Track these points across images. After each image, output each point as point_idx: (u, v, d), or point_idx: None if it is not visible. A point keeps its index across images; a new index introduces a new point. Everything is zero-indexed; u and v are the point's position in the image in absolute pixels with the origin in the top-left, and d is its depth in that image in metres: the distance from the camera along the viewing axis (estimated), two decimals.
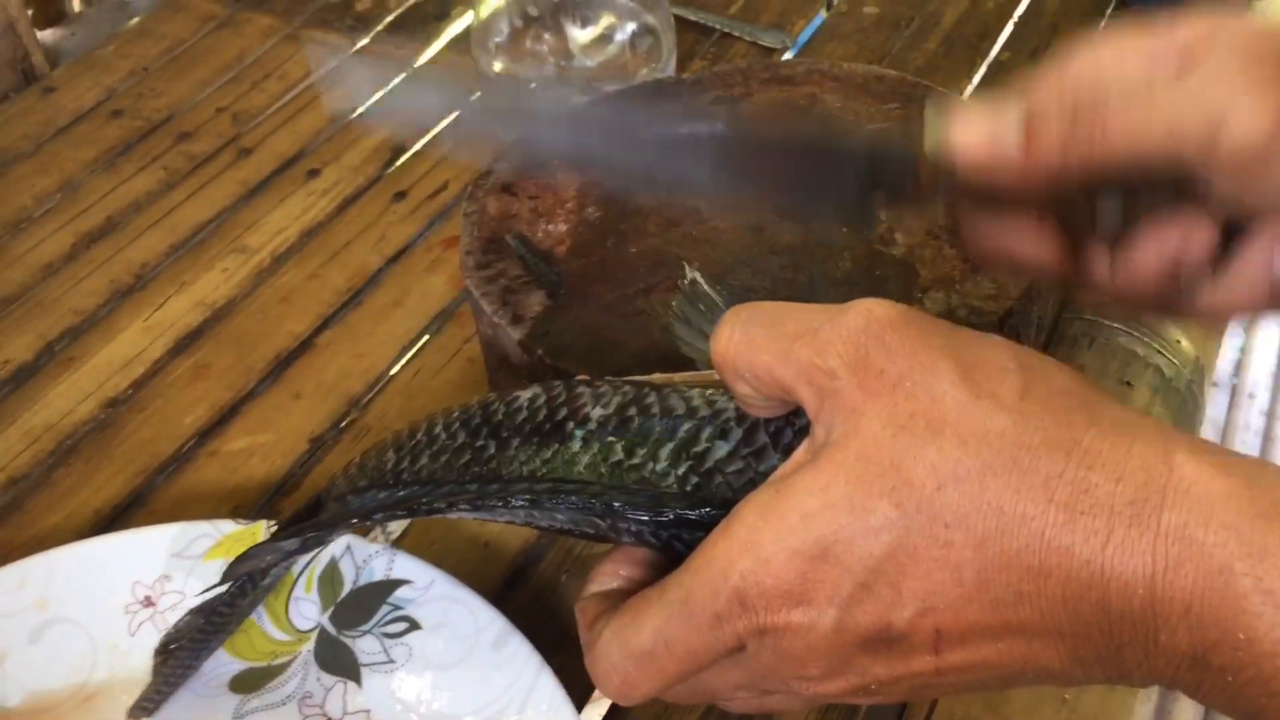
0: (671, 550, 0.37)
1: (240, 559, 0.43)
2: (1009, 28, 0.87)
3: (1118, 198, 0.38)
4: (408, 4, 0.91)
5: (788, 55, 0.85)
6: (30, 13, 0.85)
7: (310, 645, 0.49)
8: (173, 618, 0.48)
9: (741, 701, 0.36)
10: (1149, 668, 0.30)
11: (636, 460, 0.38)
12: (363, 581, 0.49)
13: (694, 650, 0.33)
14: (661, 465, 0.37)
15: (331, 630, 0.49)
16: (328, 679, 0.48)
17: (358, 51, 0.83)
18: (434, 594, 0.49)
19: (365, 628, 0.49)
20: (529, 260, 0.54)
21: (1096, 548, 0.28)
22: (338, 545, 0.50)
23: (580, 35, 0.75)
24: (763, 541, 0.31)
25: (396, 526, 0.56)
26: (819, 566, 0.30)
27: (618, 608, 0.35)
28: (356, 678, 0.48)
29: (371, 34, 0.89)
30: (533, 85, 0.74)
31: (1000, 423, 0.30)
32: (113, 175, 0.77)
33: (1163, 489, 0.29)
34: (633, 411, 0.38)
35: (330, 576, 0.49)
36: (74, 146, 0.79)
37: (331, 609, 0.49)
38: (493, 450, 0.40)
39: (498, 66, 0.75)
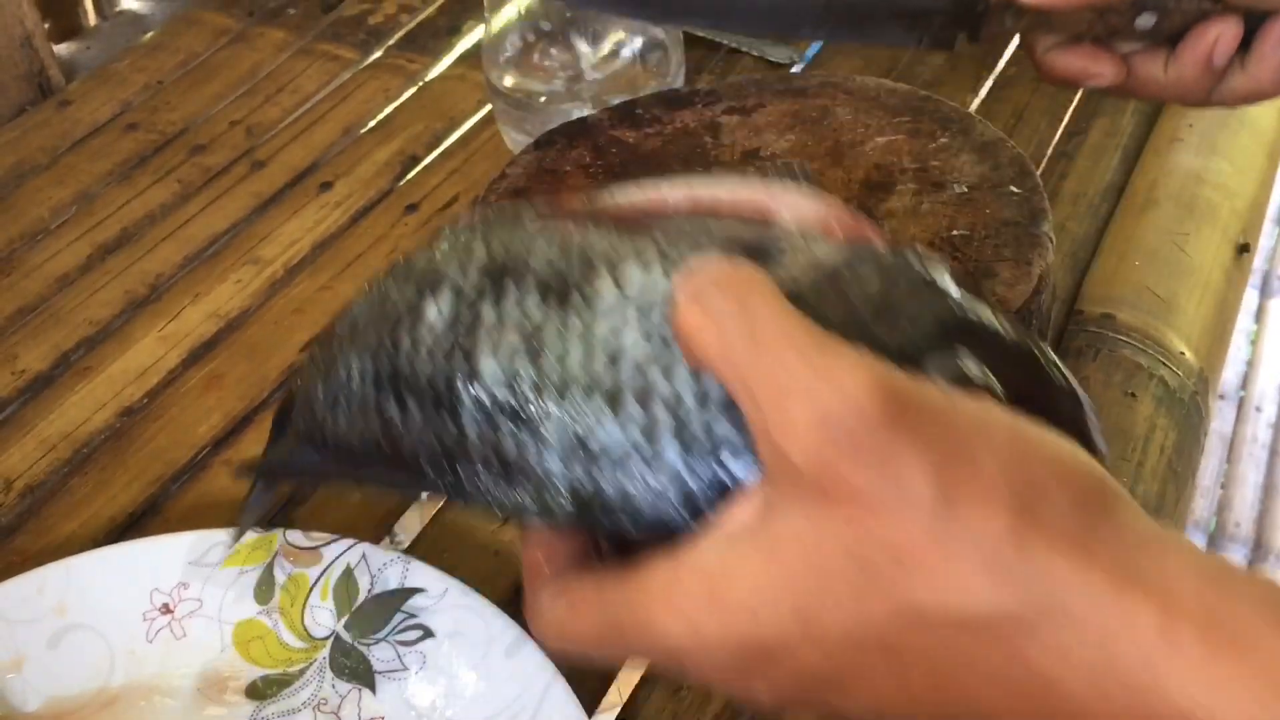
0: (593, 531, 0.35)
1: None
2: (1014, 43, 0.87)
3: (1154, 10, 0.49)
4: (419, 18, 0.92)
5: (795, 69, 0.86)
6: (46, 26, 0.86)
7: (325, 652, 0.50)
8: (190, 624, 0.49)
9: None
10: None
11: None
12: (377, 590, 0.50)
13: (622, 658, 0.35)
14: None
15: (346, 638, 0.50)
16: (342, 686, 0.49)
17: None
18: (448, 602, 0.49)
19: (380, 635, 0.50)
20: None
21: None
22: (353, 554, 0.50)
23: (589, 50, 0.76)
24: (705, 627, 0.29)
25: (406, 536, 0.56)
26: (759, 664, 0.29)
27: (560, 569, 0.35)
28: (371, 685, 0.49)
29: (384, 48, 0.90)
30: (542, 99, 0.75)
31: (980, 577, 0.27)
32: (128, 187, 0.78)
33: (1158, 666, 0.26)
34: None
35: (345, 585, 0.50)
36: (90, 159, 0.80)
37: (346, 617, 0.50)
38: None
39: (508, 81, 0.75)
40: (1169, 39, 0.51)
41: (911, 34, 0.53)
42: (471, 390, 0.33)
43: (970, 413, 0.28)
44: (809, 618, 0.28)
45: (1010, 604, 0.27)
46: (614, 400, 0.32)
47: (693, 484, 0.31)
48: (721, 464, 0.31)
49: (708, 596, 0.29)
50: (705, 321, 0.30)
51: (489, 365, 0.33)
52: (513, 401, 0.32)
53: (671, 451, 0.31)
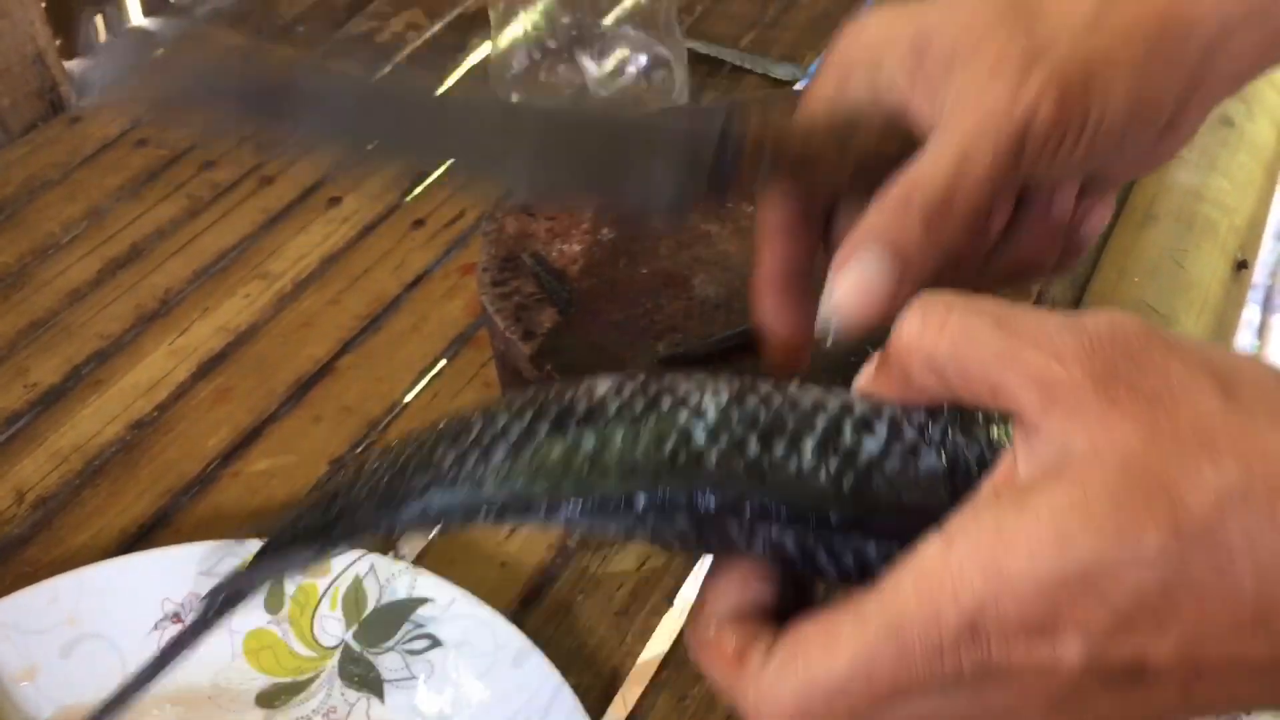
0: (811, 564, 0.32)
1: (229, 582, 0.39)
2: None
3: None
4: (427, 36, 0.93)
5: (799, 86, 0.86)
6: (57, 44, 0.87)
7: (335, 661, 0.50)
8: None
9: None
10: None
11: (777, 456, 0.32)
12: (386, 600, 0.51)
13: (899, 686, 0.28)
14: (808, 461, 0.31)
15: (355, 647, 0.50)
16: (351, 694, 0.50)
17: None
18: (455, 612, 0.50)
19: (388, 645, 0.50)
20: (543, 278, 0.56)
21: None
22: (362, 564, 0.51)
23: (595, 68, 0.77)
24: (1008, 564, 0.26)
25: (410, 550, 0.57)
26: (1076, 598, 0.26)
27: (773, 635, 0.30)
28: (380, 693, 0.50)
29: (391, 64, 0.91)
30: None
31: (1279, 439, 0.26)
32: (138, 203, 0.79)
33: None
34: (753, 401, 0.33)
35: (354, 595, 0.51)
36: (100, 175, 0.81)
37: (355, 626, 0.51)
38: (593, 444, 0.33)
39: (515, 98, 0.76)
40: None
41: (644, 190, 0.41)
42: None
43: (1222, 346, 0.30)
44: (1124, 526, 0.26)
45: None
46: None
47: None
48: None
49: (1001, 533, 0.27)
50: (937, 318, 0.30)
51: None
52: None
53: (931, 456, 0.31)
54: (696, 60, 0.86)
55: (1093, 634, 0.26)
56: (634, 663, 0.54)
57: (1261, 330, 1.54)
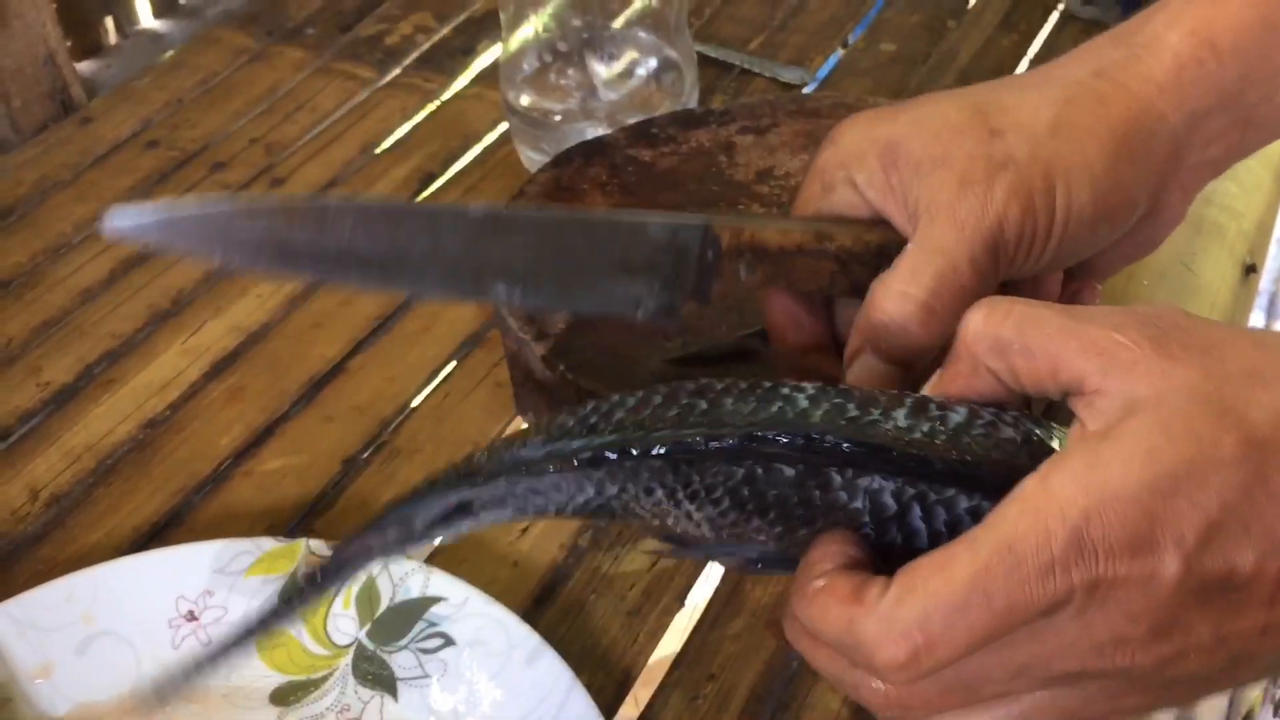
0: (904, 524, 0.35)
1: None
2: (1023, 66, 0.89)
3: None
4: (436, 38, 0.94)
5: (807, 91, 0.87)
6: (68, 45, 0.87)
7: (348, 659, 0.51)
8: (215, 632, 0.50)
9: (984, 711, 0.33)
10: None
11: (874, 416, 0.35)
12: (399, 599, 0.51)
13: (1014, 605, 0.29)
14: (902, 421, 0.35)
15: (369, 645, 0.51)
16: (365, 692, 0.50)
17: None
18: (468, 611, 0.50)
19: (401, 643, 0.50)
20: None
21: None
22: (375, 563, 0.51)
23: (604, 70, 0.77)
24: (1106, 480, 0.29)
25: (423, 549, 0.57)
26: (1169, 503, 0.29)
27: (884, 580, 0.32)
28: (393, 691, 0.50)
29: (401, 67, 0.91)
30: (558, 118, 0.76)
31: None
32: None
33: None
34: (840, 388, 0.36)
35: (368, 593, 0.51)
36: (111, 175, 0.81)
37: (369, 625, 0.51)
38: (704, 406, 0.36)
39: (525, 100, 0.77)
40: None
41: (629, 295, 0.43)
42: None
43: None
44: (1204, 437, 0.29)
45: None
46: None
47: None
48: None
49: (1094, 458, 0.30)
50: (1003, 308, 0.34)
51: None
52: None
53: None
54: (705, 63, 0.86)
55: (1187, 543, 0.29)
56: (646, 662, 0.54)
57: None
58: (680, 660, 0.54)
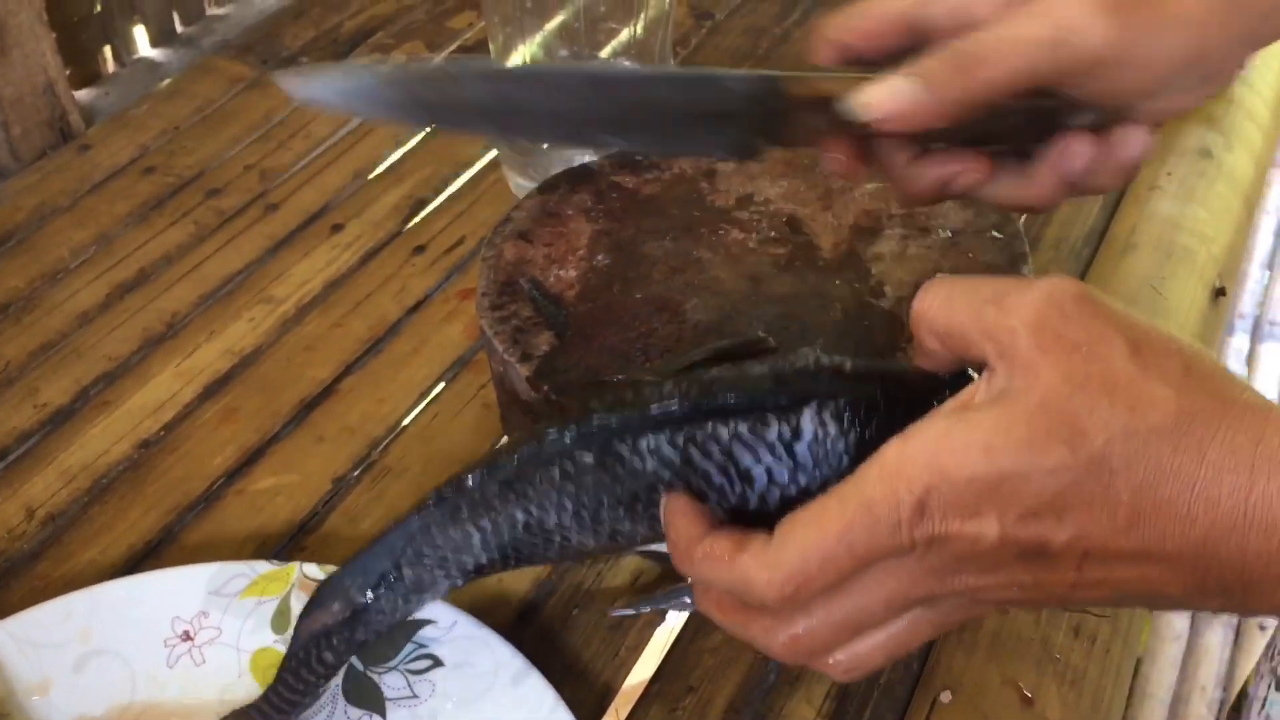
0: (725, 473, 0.41)
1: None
2: None
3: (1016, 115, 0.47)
4: None
5: None
6: (68, 73, 0.89)
7: (338, 680, 0.52)
8: (209, 652, 0.52)
9: (874, 638, 0.40)
10: (1271, 601, 0.35)
11: (644, 395, 0.43)
12: None
13: (871, 550, 0.36)
14: (665, 389, 0.42)
15: (359, 666, 0.52)
16: (355, 712, 0.51)
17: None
18: (456, 633, 0.52)
19: (391, 664, 0.52)
20: (540, 303, 0.58)
21: (1240, 499, 0.33)
22: None
23: None
24: (946, 464, 0.35)
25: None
26: (994, 492, 0.35)
27: (761, 534, 0.39)
28: (382, 711, 0.51)
29: None
30: (545, 145, 0.78)
31: (1164, 393, 0.34)
32: (145, 229, 0.81)
33: None
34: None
35: None
36: (109, 201, 0.83)
37: None
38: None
39: None
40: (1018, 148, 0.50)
41: (712, 140, 0.49)
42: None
43: (1141, 316, 0.37)
44: (1035, 447, 0.34)
45: (1196, 407, 0.34)
46: None
47: None
48: None
49: (946, 440, 0.35)
50: (936, 296, 0.39)
51: None
52: None
53: None
54: None
55: (1006, 519, 0.35)
56: (627, 676, 0.55)
57: (1250, 358, 1.56)
58: (660, 674, 0.55)
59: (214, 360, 0.71)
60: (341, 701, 0.52)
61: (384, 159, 0.87)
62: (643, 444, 0.42)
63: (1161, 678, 1.30)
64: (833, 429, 0.40)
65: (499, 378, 0.61)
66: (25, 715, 0.51)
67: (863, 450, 0.38)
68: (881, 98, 0.45)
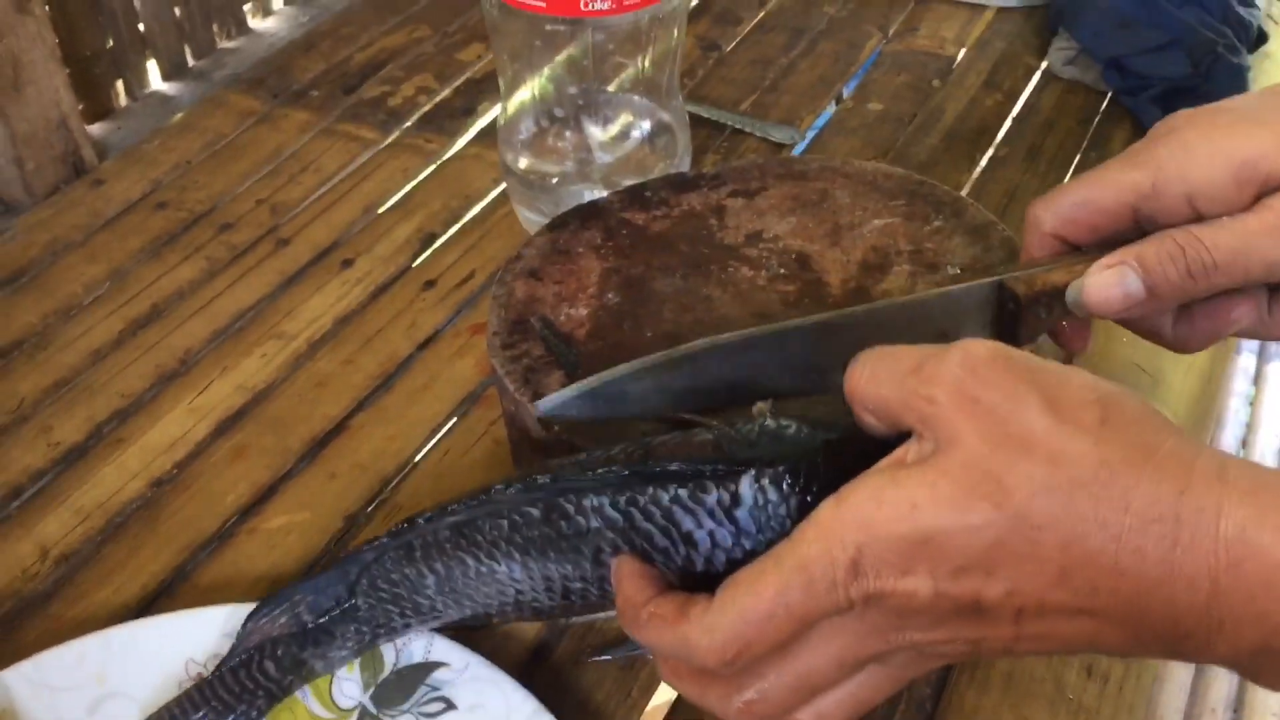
0: (668, 537, 0.42)
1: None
2: (1006, 125, 0.91)
3: None
4: (437, 100, 0.96)
5: (797, 149, 0.89)
6: (80, 108, 0.90)
7: None
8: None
9: (833, 696, 0.40)
10: (1210, 652, 0.34)
11: (596, 453, 0.45)
12: (402, 663, 0.53)
13: (809, 611, 0.37)
14: (613, 451, 0.45)
15: (372, 709, 0.52)
16: None
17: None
18: (469, 676, 0.52)
19: (404, 707, 0.52)
20: (550, 342, 0.58)
21: (1166, 549, 0.34)
22: None
23: (600, 134, 0.79)
24: (876, 522, 0.36)
25: None
26: (922, 550, 0.35)
27: (703, 598, 0.39)
28: None
29: (402, 128, 0.93)
30: (555, 180, 0.78)
31: (1082, 444, 0.35)
32: (158, 264, 0.81)
33: (1219, 498, 0.34)
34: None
35: (371, 658, 0.53)
36: (121, 237, 0.84)
37: (373, 689, 0.52)
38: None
39: (523, 163, 0.79)
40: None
41: None
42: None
43: (1056, 365, 0.38)
44: (959, 504, 0.35)
45: (1115, 456, 0.34)
46: None
47: None
48: None
49: (876, 499, 0.36)
50: (862, 372, 0.40)
51: None
52: None
53: None
54: (698, 124, 0.89)
55: (937, 574, 0.35)
56: (640, 716, 0.55)
57: (1257, 378, 1.56)
58: (673, 714, 0.55)
59: (226, 397, 0.72)
60: None
61: (394, 193, 0.87)
62: (586, 503, 0.43)
63: (1171, 701, 1.30)
64: (773, 494, 0.41)
65: (510, 416, 0.61)
66: None
67: (804, 513, 0.39)
68: (1105, 297, 0.47)
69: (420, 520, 0.47)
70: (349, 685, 0.52)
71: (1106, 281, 0.47)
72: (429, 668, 0.52)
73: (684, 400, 0.50)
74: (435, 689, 0.52)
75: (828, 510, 0.37)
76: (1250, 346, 1.57)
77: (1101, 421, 0.35)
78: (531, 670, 0.56)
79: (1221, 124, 0.47)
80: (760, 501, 0.41)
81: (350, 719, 0.52)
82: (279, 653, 0.49)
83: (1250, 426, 1.66)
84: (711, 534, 0.42)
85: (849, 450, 0.41)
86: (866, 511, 0.36)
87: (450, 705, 0.52)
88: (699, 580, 0.42)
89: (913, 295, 0.52)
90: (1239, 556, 0.33)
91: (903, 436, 0.40)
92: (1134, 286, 0.46)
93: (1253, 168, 0.45)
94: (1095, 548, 0.34)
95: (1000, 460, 0.35)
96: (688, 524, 0.42)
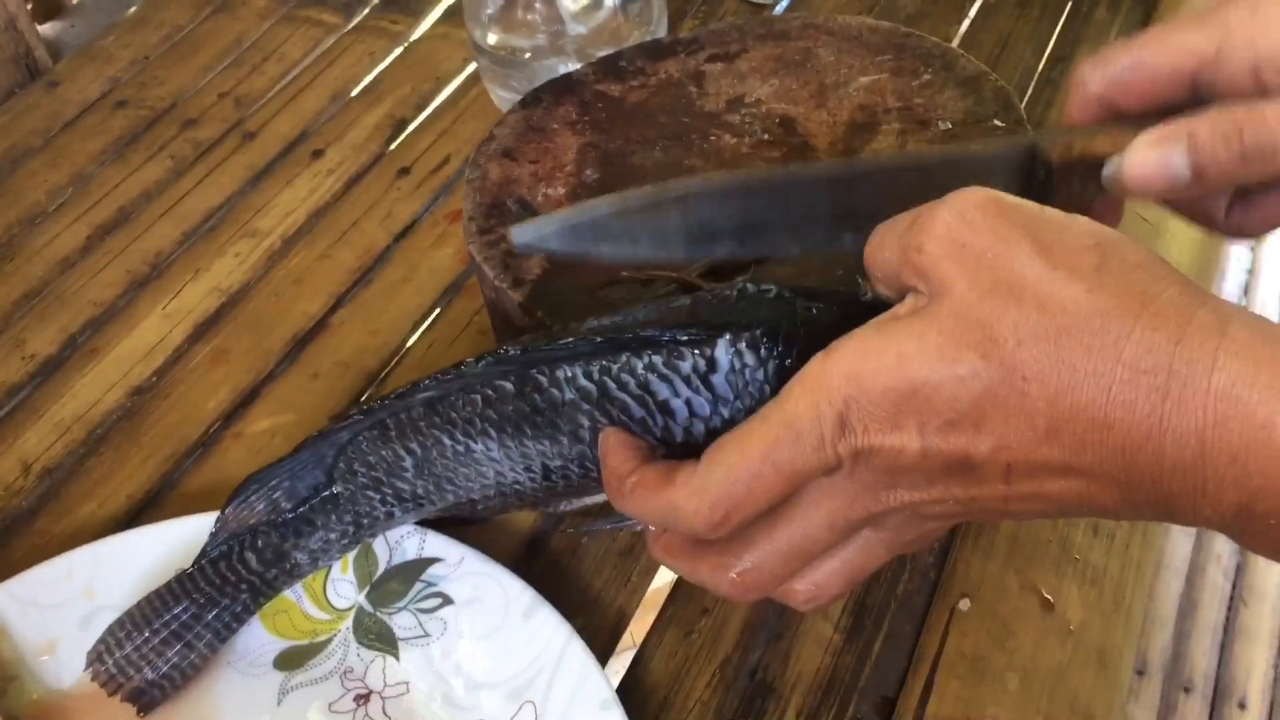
0: (646, 405, 0.41)
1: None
2: None
3: None
4: None
5: (779, 9, 0.85)
6: (29, 6, 0.86)
7: (349, 623, 0.51)
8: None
9: (828, 564, 0.39)
10: (1196, 514, 0.33)
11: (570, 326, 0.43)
12: (396, 561, 0.52)
13: (797, 469, 0.36)
14: (591, 323, 0.42)
15: (368, 608, 0.51)
16: (367, 654, 0.51)
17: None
18: (464, 570, 0.51)
19: (401, 604, 0.51)
20: None
21: (1156, 403, 0.32)
22: None
23: (571, 3, 0.76)
24: (863, 373, 0.35)
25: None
26: (909, 402, 0.34)
27: (689, 464, 0.38)
28: (395, 652, 0.51)
29: (366, 9, 0.89)
30: (527, 55, 0.75)
31: (1075, 290, 0.33)
32: (122, 166, 0.79)
33: (1214, 352, 0.32)
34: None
35: (364, 557, 0.52)
36: (82, 139, 0.81)
37: (368, 588, 0.52)
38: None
39: (492, 39, 0.75)
40: None
41: None
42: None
43: (1056, 211, 0.36)
44: (947, 354, 0.34)
45: (1109, 304, 0.33)
46: None
47: None
48: None
49: (863, 352, 0.35)
50: (875, 238, 0.39)
51: None
52: None
53: None
54: None
55: (925, 429, 0.34)
56: (640, 600, 0.55)
57: (1251, 268, 1.54)
58: (674, 597, 0.54)
59: (201, 300, 0.70)
60: (354, 644, 0.51)
61: (361, 78, 0.84)
62: (559, 374, 0.42)
63: (1176, 549, 1.31)
64: (749, 359, 0.39)
65: (492, 304, 0.59)
66: (34, 676, 0.50)
67: (783, 379, 0.37)
68: (1146, 175, 0.42)
69: (391, 397, 0.45)
70: (344, 585, 0.52)
71: (1149, 159, 0.41)
72: (424, 564, 0.51)
73: (674, 245, 0.46)
74: (431, 584, 0.51)
75: (815, 365, 0.36)
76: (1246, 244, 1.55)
77: (1098, 268, 0.34)
78: (528, 561, 0.56)
79: None
80: (736, 366, 0.39)
81: (347, 619, 0.51)
82: (259, 544, 0.48)
83: (1252, 272, 1.65)
84: (689, 402, 0.40)
85: (832, 314, 0.39)
86: (854, 364, 0.35)
87: (447, 600, 0.51)
88: (681, 452, 0.41)
89: (926, 151, 0.49)
90: (1225, 414, 0.31)
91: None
92: (1180, 167, 0.41)
93: None
94: (1084, 400, 0.33)
95: (989, 308, 0.34)
96: (664, 392, 0.40)
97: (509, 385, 0.43)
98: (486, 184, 0.58)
